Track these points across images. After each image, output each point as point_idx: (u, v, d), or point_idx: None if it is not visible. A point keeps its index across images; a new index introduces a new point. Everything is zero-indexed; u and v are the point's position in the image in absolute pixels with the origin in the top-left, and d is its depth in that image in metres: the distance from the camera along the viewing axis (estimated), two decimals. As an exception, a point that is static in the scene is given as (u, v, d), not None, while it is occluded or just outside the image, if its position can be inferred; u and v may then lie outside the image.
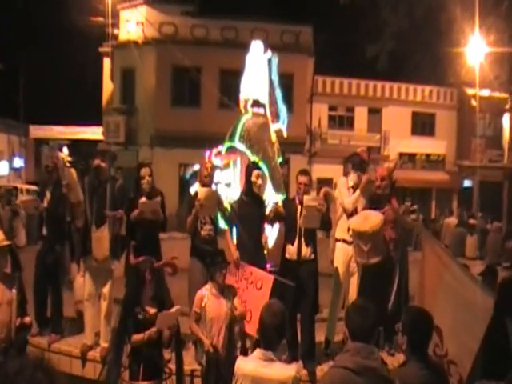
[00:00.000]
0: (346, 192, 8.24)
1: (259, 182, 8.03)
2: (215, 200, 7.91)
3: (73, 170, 8.08)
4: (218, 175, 9.40)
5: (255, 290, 7.25)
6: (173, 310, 6.25)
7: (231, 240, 7.91)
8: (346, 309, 4.46)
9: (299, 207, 7.64)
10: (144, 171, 8.03)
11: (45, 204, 8.42)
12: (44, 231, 8.49)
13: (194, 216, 7.88)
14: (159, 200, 7.92)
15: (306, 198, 7.47)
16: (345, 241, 8.12)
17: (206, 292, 6.51)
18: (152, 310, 5.94)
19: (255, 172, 8.03)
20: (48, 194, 8.45)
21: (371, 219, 7.45)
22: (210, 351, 6.27)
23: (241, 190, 8.39)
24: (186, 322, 7.91)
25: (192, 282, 7.75)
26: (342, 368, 3.88)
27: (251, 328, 6.85)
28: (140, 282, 6.06)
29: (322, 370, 7.34)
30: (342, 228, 8.18)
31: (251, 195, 7.97)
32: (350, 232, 7.77)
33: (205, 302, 6.43)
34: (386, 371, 3.98)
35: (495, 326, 5.07)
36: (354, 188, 8.24)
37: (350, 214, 8.02)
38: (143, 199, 7.82)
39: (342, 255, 8.21)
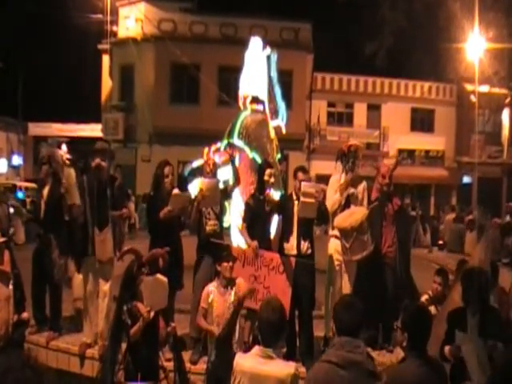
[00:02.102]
0: (332, 192, 8.16)
1: (272, 180, 8.04)
2: (218, 191, 7.87)
3: (72, 171, 7.94)
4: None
5: (278, 274, 7.42)
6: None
7: (246, 232, 7.89)
8: (334, 304, 4.45)
9: (296, 203, 7.63)
10: (168, 170, 7.91)
11: (42, 204, 8.37)
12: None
13: (196, 208, 7.82)
14: (190, 194, 7.83)
15: (304, 184, 7.46)
16: (337, 237, 8.11)
17: (213, 289, 6.54)
18: (144, 308, 5.85)
19: (268, 170, 8.04)
20: (45, 193, 8.39)
21: (353, 216, 7.47)
22: (220, 337, 6.20)
23: (254, 189, 8.41)
24: (184, 320, 7.90)
25: (199, 279, 7.71)
26: (326, 362, 3.88)
27: None
28: (130, 279, 6.03)
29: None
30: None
31: (264, 194, 7.99)
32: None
33: (211, 299, 6.46)
34: (372, 365, 3.97)
35: (457, 317, 5.20)
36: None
37: (341, 210, 8.02)
38: (176, 190, 7.73)
39: (335, 251, 8.20)
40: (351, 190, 8.15)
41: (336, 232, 8.06)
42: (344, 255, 7.72)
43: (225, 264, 6.53)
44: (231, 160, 9.62)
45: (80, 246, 7.91)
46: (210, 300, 6.47)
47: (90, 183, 7.74)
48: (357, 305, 4.10)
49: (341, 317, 4.04)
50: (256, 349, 4.24)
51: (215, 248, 7.46)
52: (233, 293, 6.49)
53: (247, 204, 8.12)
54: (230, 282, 6.58)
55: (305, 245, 7.66)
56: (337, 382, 3.80)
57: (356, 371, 3.80)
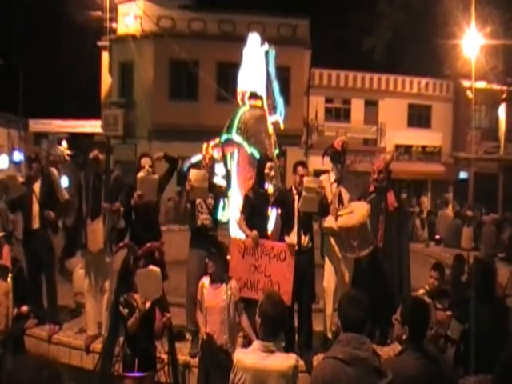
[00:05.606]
0: (328, 188, 8.20)
1: (272, 173, 8.09)
2: (205, 183, 7.88)
3: (54, 171, 8.08)
4: (215, 167, 9.44)
5: (279, 262, 7.45)
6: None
7: (244, 224, 7.92)
8: (339, 300, 4.36)
9: (296, 197, 7.66)
10: (144, 161, 7.98)
11: (33, 197, 8.46)
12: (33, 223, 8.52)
13: (185, 198, 7.91)
14: (157, 177, 7.78)
15: (306, 179, 7.47)
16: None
17: (206, 281, 6.58)
18: (140, 299, 5.91)
19: (268, 164, 8.10)
20: (36, 188, 8.49)
21: (357, 212, 7.50)
22: (204, 338, 6.36)
23: (253, 182, 8.50)
24: (182, 314, 7.99)
25: (190, 273, 7.79)
26: (332, 359, 3.85)
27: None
28: (125, 272, 6.13)
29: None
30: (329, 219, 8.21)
31: (263, 187, 8.06)
32: (326, 224, 7.91)
33: (203, 291, 6.53)
34: (378, 362, 3.91)
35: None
36: (337, 182, 8.35)
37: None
38: (141, 173, 7.72)
39: (333, 245, 8.25)
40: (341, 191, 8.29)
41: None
42: (349, 253, 7.72)
43: (210, 265, 6.59)
44: (223, 160, 9.71)
45: (69, 247, 8.03)
46: (203, 292, 6.55)
47: (86, 177, 7.88)
48: (362, 299, 4.05)
49: (347, 312, 3.98)
50: (256, 343, 4.29)
51: (207, 241, 7.53)
52: (225, 289, 6.54)
53: (246, 197, 8.15)
54: (222, 278, 6.60)
55: (305, 239, 7.68)
56: (343, 379, 3.76)
57: (362, 368, 3.77)
